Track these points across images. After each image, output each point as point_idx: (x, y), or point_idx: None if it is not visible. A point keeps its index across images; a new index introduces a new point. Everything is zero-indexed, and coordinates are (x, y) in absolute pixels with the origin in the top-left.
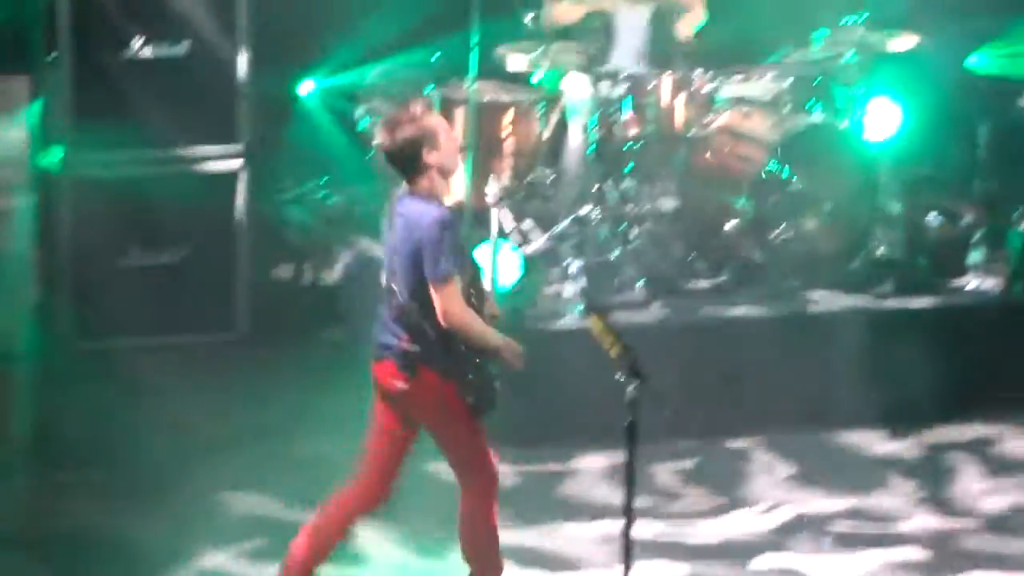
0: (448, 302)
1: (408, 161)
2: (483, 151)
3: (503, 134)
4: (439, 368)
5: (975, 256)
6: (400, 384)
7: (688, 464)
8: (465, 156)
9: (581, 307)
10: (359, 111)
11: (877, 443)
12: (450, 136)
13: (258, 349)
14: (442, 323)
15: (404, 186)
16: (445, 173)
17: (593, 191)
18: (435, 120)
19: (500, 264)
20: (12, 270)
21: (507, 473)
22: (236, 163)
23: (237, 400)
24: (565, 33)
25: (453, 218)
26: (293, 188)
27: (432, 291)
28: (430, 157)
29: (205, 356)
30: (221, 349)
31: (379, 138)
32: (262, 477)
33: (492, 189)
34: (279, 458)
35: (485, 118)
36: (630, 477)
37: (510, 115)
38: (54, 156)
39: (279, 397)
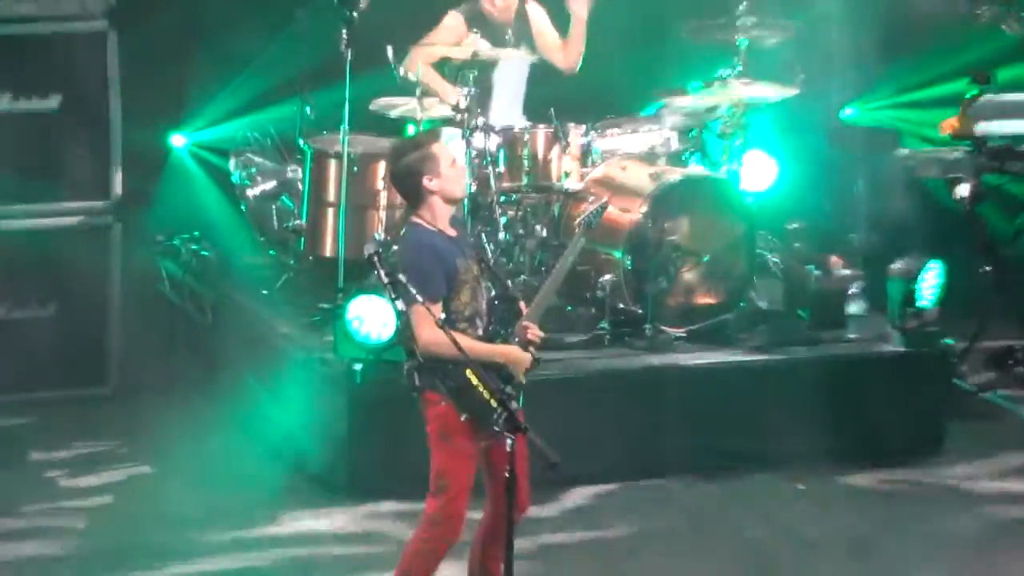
0: (417, 326)
1: (409, 188)
2: (357, 203)
3: (377, 186)
4: (431, 385)
5: (853, 308)
6: (419, 404)
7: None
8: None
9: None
10: (231, 164)
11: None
12: (453, 163)
13: (129, 403)
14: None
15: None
16: (448, 200)
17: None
18: (437, 147)
19: (375, 317)
20: None
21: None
22: (108, 218)
23: (104, 455)
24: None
25: (432, 243)
26: (166, 242)
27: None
28: (431, 184)
29: (76, 411)
30: (92, 403)
31: (385, 166)
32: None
33: (368, 242)
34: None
35: (359, 170)
36: (508, 539)
37: (384, 167)
38: None
39: (150, 449)
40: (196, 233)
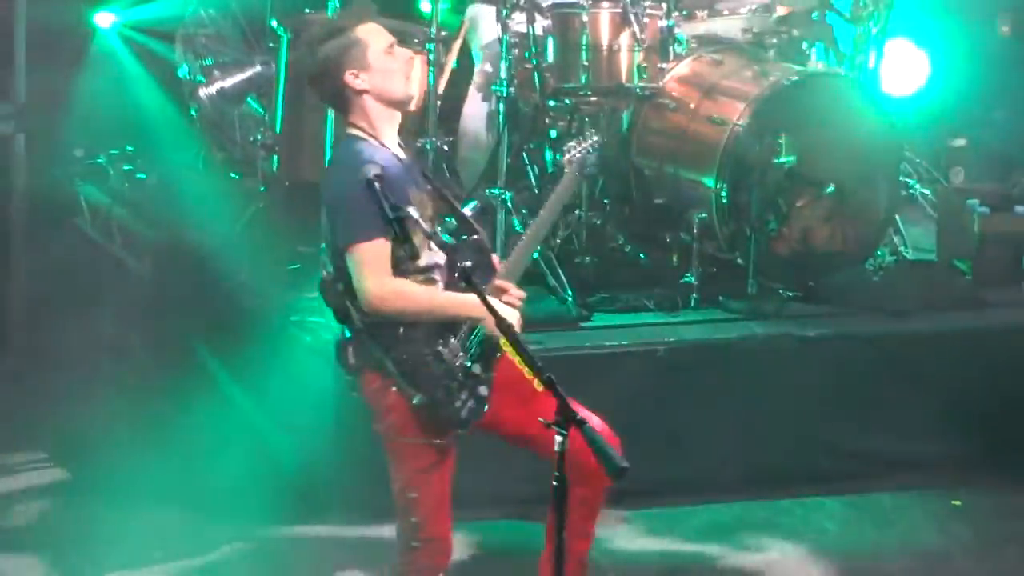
0: (360, 273)
1: (330, 90)
2: None
3: None
4: (373, 362)
5: None
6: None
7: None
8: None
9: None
10: (178, 53)
11: None
12: (390, 49)
13: (38, 381)
14: (361, 305)
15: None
16: (386, 101)
17: (504, 166)
18: (363, 30)
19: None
20: None
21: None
22: (8, 126)
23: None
24: None
25: (374, 160)
26: (87, 159)
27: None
28: (356, 81)
29: None
30: None
31: (299, 62)
32: None
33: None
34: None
35: None
36: (558, 555)
37: None
38: None
39: (68, 447)
40: (129, 148)
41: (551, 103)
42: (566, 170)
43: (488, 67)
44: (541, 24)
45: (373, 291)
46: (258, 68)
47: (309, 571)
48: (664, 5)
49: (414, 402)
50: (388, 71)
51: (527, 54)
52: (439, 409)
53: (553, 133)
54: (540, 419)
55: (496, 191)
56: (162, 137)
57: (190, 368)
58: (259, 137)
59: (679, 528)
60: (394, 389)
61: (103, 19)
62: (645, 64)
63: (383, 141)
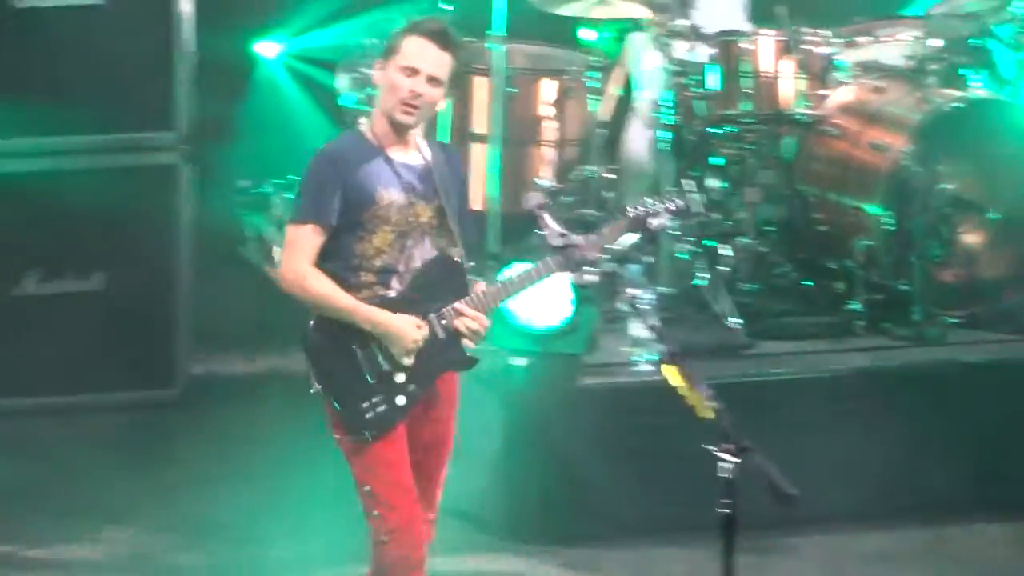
0: (284, 254)
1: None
2: (514, 137)
3: (542, 113)
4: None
5: None
6: None
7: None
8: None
9: (653, 353)
10: (341, 82)
11: None
12: (406, 72)
13: (203, 410)
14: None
15: None
16: (381, 109)
17: (667, 194)
18: (408, 41)
19: (542, 295)
20: None
21: None
22: (173, 156)
23: (170, 482)
24: None
25: (342, 151)
26: (252, 189)
27: None
28: (376, 74)
29: (131, 422)
30: (153, 412)
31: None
32: None
33: (531, 190)
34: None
35: (517, 92)
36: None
37: (551, 88)
38: None
39: (232, 473)
40: (292, 177)
41: (713, 130)
42: (621, 218)
43: (650, 95)
44: (703, 51)
45: (283, 272)
46: None
47: None
48: (826, 33)
49: (311, 391)
50: (390, 86)
51: (689, 82)
52: (339, 407)
53: (716, 161)
54: (704, 446)
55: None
56: None
57: None
58: None
59: (847, 555)
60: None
61: (266, 49)
62: (807, 91)
63: (379, 138)
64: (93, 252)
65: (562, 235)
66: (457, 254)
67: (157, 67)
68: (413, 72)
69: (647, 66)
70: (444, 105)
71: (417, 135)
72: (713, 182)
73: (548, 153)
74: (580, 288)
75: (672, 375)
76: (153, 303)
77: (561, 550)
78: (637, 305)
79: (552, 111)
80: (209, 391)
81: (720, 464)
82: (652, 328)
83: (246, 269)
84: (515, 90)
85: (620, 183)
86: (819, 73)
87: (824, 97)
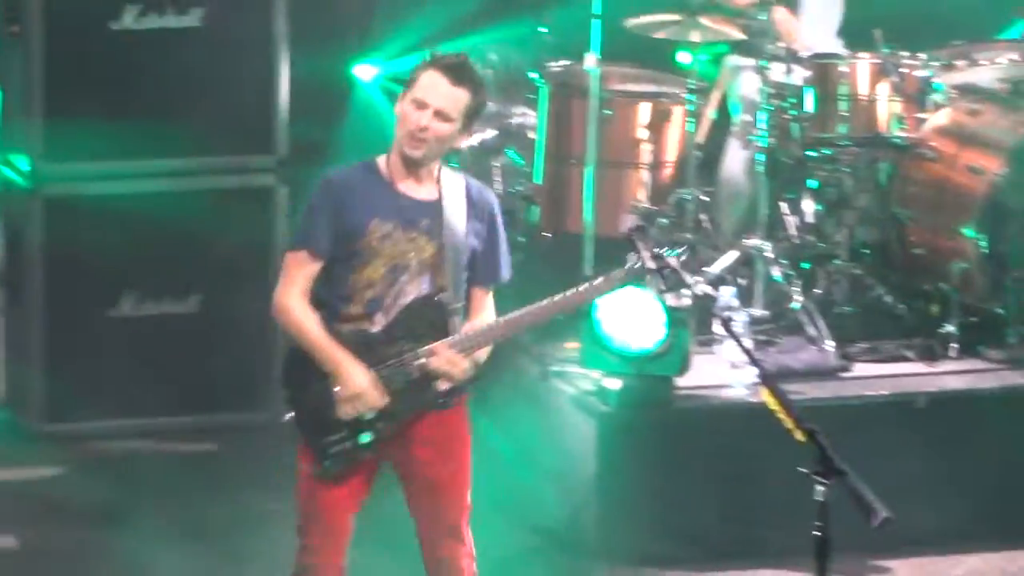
0: (279, 279)
1: None
2: (610, 160)
3: (638, 136)
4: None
5: None
6: None
7: None
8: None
9: (748, 375)
10: None
11: None
12: (417, 106)
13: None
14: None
15: None
16: (396, 142)
17: (763, 217)
18: (426, 74)
19: (636, 317)
20: None
21: None
22: (270, 178)
23: (268, 513)
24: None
25: (344, 181)
26: None
27: None
28: (396, 108)
29: (229, 446)
30: (252, 435)
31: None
32: None
33: (624, 214)
34: None
35: (613, 115)
36: None
37: (648, 111)
38: (18, 168)
39: None
40: None
41: (810, 153)
42: (616, 272)
43: (747, 117)
44: (800, 74)
45: (274, 298)
46: (517, 119)
47: None
48: (922, 56)
49: (285, 419)
50: (402, 118)
51: (785, 104)
52: (307, 436)
53: (812, 183)
54: (800, 468)
55: (754, 242)
56: None
57: None
58: (519, 188)
59: None
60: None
61: (363, 72)
62: (903, 114)
63: (391, 170)
64: (190, 274)
65: (655, 257)
66: (446, 295)
67: (255, 90)
68: (422, 105)
69: (744, 89)
70: (461, 142)
71: (440, 169)
72: (809, 205)
73: (644, 176)
74: (674, 310)
75: (766, 397)
76: (249, 325)
77: (655, 572)
78: (731, 327)
79: (648, 134)
80: None
81: (814, 486)
82: (746, 350)
83: None
84: (611, 112)
85: (716, 206)
86: (915, 96)
87: (920, 120)
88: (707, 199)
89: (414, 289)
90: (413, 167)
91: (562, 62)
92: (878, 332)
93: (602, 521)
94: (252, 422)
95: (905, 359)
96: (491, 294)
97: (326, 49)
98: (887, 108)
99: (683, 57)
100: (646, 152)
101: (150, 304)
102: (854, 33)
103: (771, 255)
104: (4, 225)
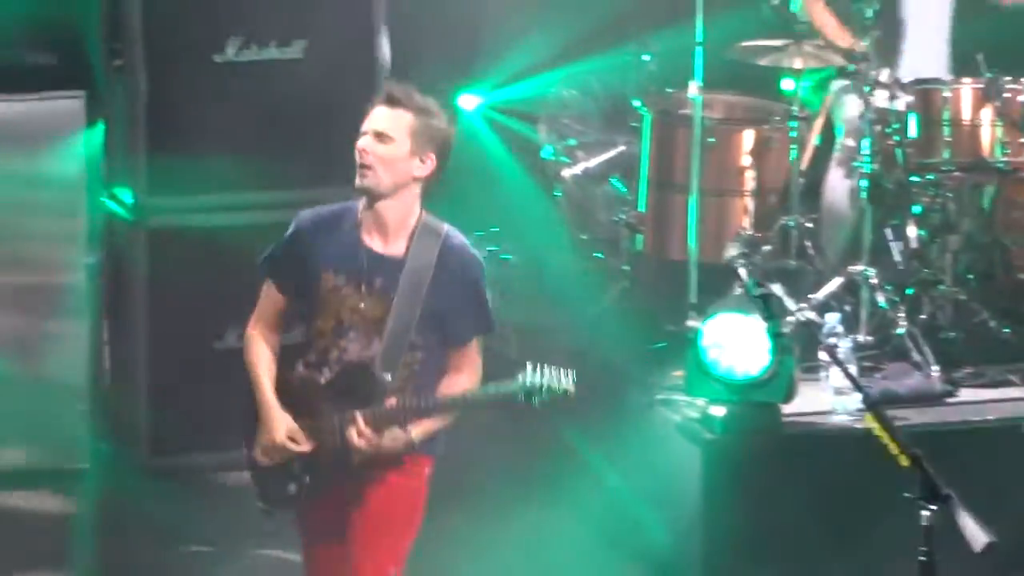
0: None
1: None
2: (714, 187)
3: (742, 164)
4: None
5: None
6: None
7: None
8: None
9: (853, 401)
10: (542, 134)
11: None
12: (365, 134)
13: None
14: None
15: None
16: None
17: (867, 243)
18: (375, 108)
19: (741, 344)
20: (67, 358)
21: None
22: None
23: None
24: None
25: (313, 224)
26: None
27: None
28: None
29: None
30: None
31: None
32: None
33: (728, 240)
34: None
35: (717, 142)
36: None
37: (751, 138)
38: (122, 200)
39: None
40: (494, 228)
41: (913, 179)
42: (511, 381)
43: (850, 142)
44: (903, 100)
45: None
46: (621, 148)
47: None
48: None
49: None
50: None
51: (889, 130)
52: (251, 473)
53: (916, 209)
54: (905, 494)
55: (859, 269)
56: (526, 218)
57: (557, 445)
58: (623, 216)
59: None
60: None
61: (466, 102)
62: (1007, 139)
63: (362, 218)
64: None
65: (759, 284)
66: (378, 361)
67: (358, 121)
68: (362, 135)
69: (847, 115)
70: (420, 171)
71: (420, 224)
72: (912, 230)
73: (748, 203)
74: (779, 337)
75: (872, 423)
76: None
77: None
78: (836, 354)
79: (752, 161)
80: None
81: (919, 512)
82: (851, 377)
83: None
84: (715, 140)
85: (820, 232)
86: (1019, 120)
87: None
88: (811, 226)
89: (359, 348)
90: (378, 212)
91: (665, 90)
92: (983, 357)
93: (708, 549)
94: None
95: (1010, 384)
96: (471, 355)
97: (429, 79)
98: (990, 132)
99: (786, 84)
100: (750, 179)
101: None
102: (956, 57)
103: (876, 281)
104: (108, 257)
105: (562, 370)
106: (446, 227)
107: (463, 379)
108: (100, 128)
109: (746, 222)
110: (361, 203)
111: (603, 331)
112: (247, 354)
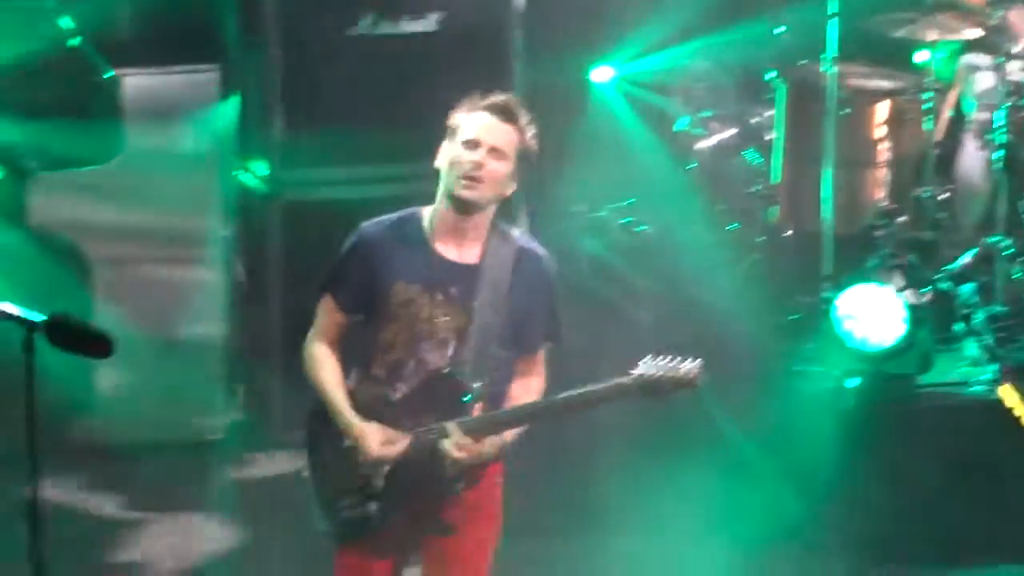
0: (315, 321)
1: None
2: (849, 158)
3: (876, 135)
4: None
5: None
6: None
7: None
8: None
9: (990, 372)
10: (676, 106)
11: None
12: (469, 146)
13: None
14: None
15: None
16: (442, 194)
17: (1002, 213)
18: (460, 116)
19: (876, 315)
20: (202, 331)
21: None
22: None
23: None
24: None
25: (377, 238)
26: (587, 213)
27: None
28: (437, 161)
29: None
30: None
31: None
32: None
33: (863, 211)
34: None
35: (851, 113)
36: None
37: (886, 109)
38: (256, 173)
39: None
40: (629, 201)
41: None
42: (628, 376)
43: (983, 115)
44: None
45: (304, 345)
46: (755, 120)
47: None
48: None
49: (303, 473)
50: (451, 163)
51: (1022, 101)
52: (320, 500)
53: None
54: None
55: (994, 239)
56: (660, 190)
57: (693, 417)
58: (757, 188)
59: None
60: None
61: (600, 74)
62: None
63: (435, 226)
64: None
65: (894, 255)
66: (466, 371)
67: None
68: (475, 145)
69: (981, 86)
70: (512, 188)
71: (493, 231)
72: None
73: (883, 174)
74: (915, 308)
75: (1008, 394)
76: None
77: (897, 569)
78: (972, 324)
79: (886, 132)
80: None
81: None
82: (986, 347)
83: (581, 292)
84: (849, 111)
85: (955, 203)
86: None
87: None
88: (946, 197)
89: (437, 359)
90: (462, 220)
91: (800, 61)
92: None
93: (844, 519)
94: None
95: None
96: (539, 362)
97: (562, 52)
98: None
99: (920, 55)
100: (884, 150)
101: None
102: None
103: (1011, 252)
104: (243, 230)
105: (685, 359)
106: (518, 232)
107: (534, 383)
108: (234, 101)
109: (881, 193)
110: (428, 210)
111: (738, 302)
112: (317, 372)
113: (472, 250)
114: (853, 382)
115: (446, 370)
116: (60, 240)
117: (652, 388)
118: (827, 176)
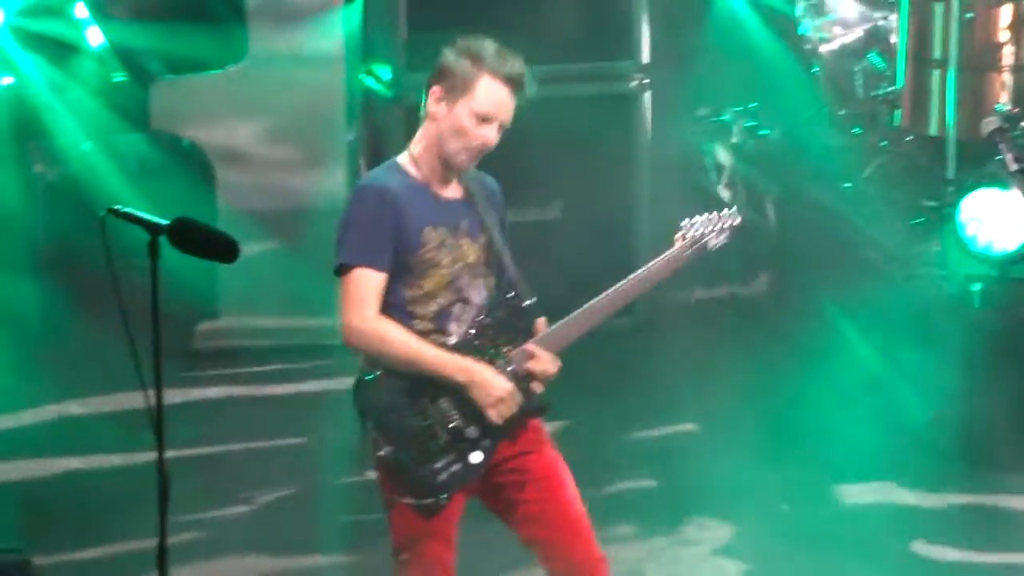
0: (343, 306)
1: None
2: (972, 63)
3: (1000, 38)
4: (358, 406)
5: None
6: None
7: None
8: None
9: None
10: (800, 9)
11: None
12: (480, 118)
13: (661, 337)
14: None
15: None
16: (440, 154)
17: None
18: (487, 79)
19: (1000, 219)
20: (326, 236)
21: None
22: (633, 83)
23: (634, 407)
24: None
25: (386, 188)
26: (711, 117)
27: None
28: (437, 108)
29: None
30: (614, 337)
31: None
32: None
33: (988, 116)
34: None
35: (975, 17)
36: None
37: (1010, 12)
38: (380, 77)
39: (691, 403)
40: (752, 105)
41: None
42: (676, 243)
43: None
44: None
45: (352, 325)
46: (880, 23)
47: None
48: None
49: (380, 454)
50: (457, 130)
51: None
52: (410, 468)
53: None
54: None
55: None
56: (784, 93)
57: (814, 320)
58: (881, 92)
59: None
60: (374, 435)
61: None
62: None
63: (424, 174)
64: (553, 181)
65: (1017, 159)
66: (520, 292)
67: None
68: (487, 120)
69: None
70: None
71: None
72: None
73: (1006, 78)
74: None
75: None
76: (612, 231)
77: (1015, 477)
78: None
79: (1010, 35)
80: (663, 318)
81: None
82: None
83: (704, 196)
84: (973, 15)
85: None
86: None
87: None
88: None
89: (474, 295)
90: (453, 173)
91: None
92: None
93: (966, 424)
94: (615, 327)
95: None
96: None
97: None
98: None
99: None
100: (1008, 54)
101: (514, 211)
102: None
103: None
104: (367, 133)
105: (718, 212)
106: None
107: None
108: (358, 4)
109: (1004, 97)
110: (406, 157)
111: (861, 207)
112: (392, 341)
113: (455, 187)
114: (977, 286)
115: (509, 295)
116: (183, 144)
117: (701, 244)
118: (951, 80)
